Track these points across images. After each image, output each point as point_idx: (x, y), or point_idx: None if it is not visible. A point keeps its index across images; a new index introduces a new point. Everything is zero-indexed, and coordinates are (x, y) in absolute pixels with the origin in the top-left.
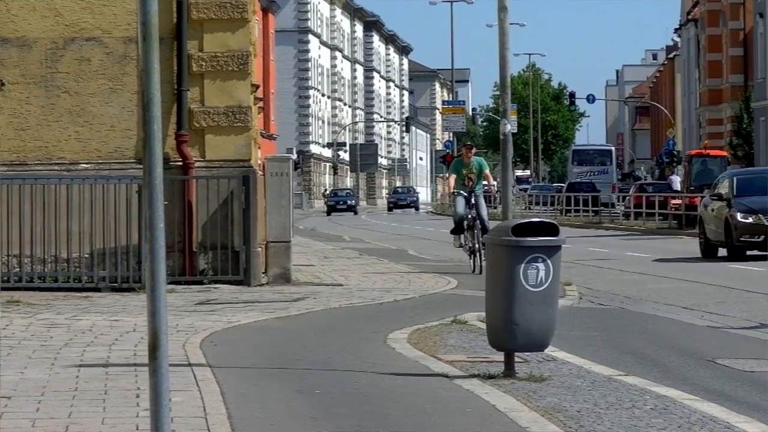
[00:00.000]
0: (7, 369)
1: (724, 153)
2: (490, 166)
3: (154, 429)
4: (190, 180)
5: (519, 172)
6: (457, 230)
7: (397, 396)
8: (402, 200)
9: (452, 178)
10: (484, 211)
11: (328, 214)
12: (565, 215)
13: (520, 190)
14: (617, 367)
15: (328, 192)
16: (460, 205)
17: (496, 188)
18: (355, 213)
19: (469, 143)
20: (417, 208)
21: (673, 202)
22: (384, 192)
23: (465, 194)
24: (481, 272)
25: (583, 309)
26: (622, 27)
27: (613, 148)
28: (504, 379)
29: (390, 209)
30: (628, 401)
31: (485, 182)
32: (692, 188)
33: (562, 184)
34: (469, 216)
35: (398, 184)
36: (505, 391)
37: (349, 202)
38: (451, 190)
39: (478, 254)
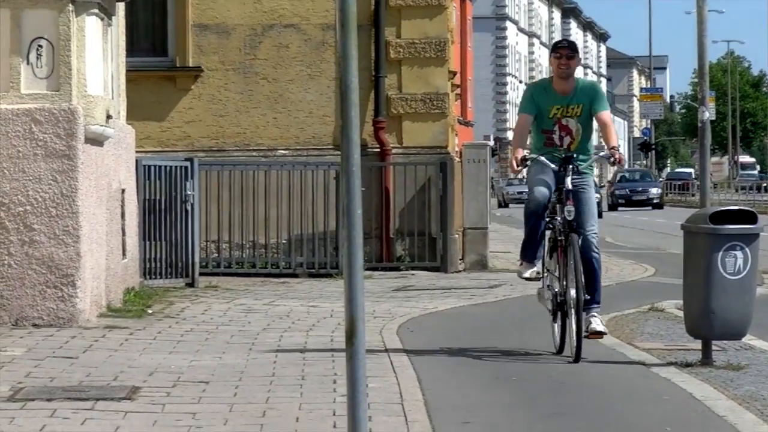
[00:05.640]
0: (205, 354)
1: None
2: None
3: (351, 414)
4: (388, 166)
5: (743, 159)
6: (528, 249)
7: (593, 383)
8: (637, 192)
9: (519, 132)
10: (589, 209)
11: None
12: None
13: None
14: None
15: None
16: (538, 196)
17: (622, 157)
18: None
19: (563, 44)
20: (660, 205)
21: None
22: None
23: (549, 166)
24: (577, 360)
25: None
26: None
27: None
28: (701, 367)
29: (614, 207)
30: None
31: (607, 147)
32: None
33: None
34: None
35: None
36: (702, 380)
37: None
38: (516, 156)
39: (571, 318)
